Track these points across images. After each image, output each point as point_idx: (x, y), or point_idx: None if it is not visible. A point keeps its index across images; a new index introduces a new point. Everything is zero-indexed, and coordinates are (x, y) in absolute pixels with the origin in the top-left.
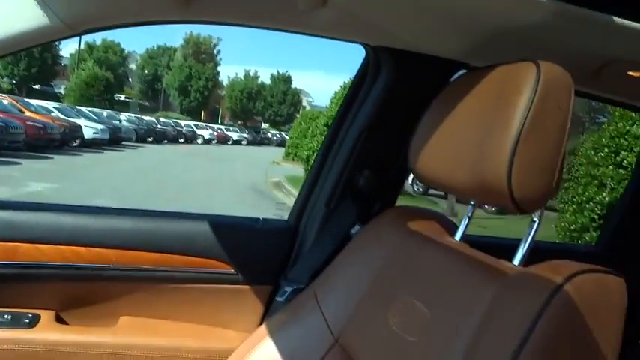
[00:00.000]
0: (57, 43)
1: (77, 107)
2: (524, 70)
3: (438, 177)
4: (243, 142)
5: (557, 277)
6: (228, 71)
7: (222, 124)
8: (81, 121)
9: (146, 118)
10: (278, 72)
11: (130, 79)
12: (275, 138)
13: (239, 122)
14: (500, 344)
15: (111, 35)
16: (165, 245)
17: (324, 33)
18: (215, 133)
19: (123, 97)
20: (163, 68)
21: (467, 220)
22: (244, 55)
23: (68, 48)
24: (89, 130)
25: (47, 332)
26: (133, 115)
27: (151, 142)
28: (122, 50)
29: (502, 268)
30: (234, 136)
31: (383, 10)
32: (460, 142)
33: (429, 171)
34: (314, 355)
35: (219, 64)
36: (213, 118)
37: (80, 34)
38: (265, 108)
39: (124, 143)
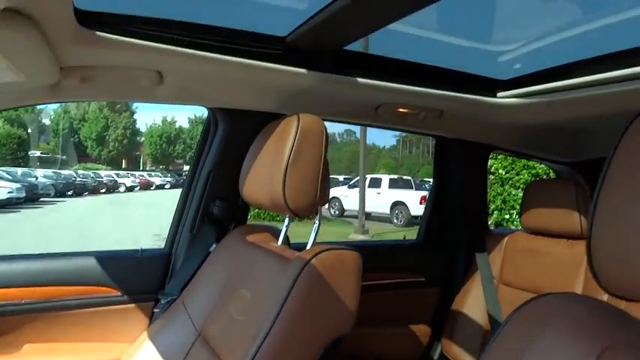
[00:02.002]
0: None
1: None
2: (291, 120)
3: (253, 198)
4: (167, 186)
5: (309, 255)
6: (145, 118)
7: (144, 170)
8: None
9: (64, 172)
10: (195, 115)
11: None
12: None
13: (161, 167)
14: (275, 300)
15: None
16: (59, 279)
17: (168, 101)
18: (137, 180)
19: (38, 154)
20: (79, 121)
21: (284, 229)
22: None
23: None
24: (3, 190)
25: None
26: (50, 170)
27: (71, 195)
28: (34, 107)
29: (292, 257)
30: (157, 180)
31: (208, 83)
32: (261, 172)
33: (250, 194)
34: (183, 347)
35: (136, 112)
36: (135, 166)
37: None
38: (186, 150)
39: (42, 199)
